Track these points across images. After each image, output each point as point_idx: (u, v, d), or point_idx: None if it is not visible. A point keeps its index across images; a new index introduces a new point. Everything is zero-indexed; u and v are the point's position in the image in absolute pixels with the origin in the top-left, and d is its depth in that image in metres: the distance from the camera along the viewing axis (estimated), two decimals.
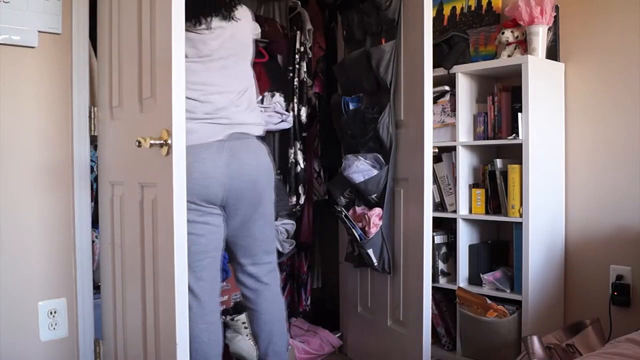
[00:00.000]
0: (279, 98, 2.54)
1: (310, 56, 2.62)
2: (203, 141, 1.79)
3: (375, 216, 2.25)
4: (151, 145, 1.59)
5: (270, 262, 2.04)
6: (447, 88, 2.50)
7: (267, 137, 2.76)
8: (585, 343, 1.86)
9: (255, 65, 2.46)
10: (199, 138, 1.78)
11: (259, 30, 2.31)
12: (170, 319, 1.60)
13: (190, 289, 1.76)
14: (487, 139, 2.45)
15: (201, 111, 1.81)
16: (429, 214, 2.13)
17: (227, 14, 1.85)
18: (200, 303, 1.84)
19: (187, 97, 1.72)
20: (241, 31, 1.93)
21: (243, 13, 1.94)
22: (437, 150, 2.39)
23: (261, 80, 2.46)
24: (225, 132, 1.84)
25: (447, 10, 2.78)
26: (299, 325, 2.76)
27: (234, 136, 1.86)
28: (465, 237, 2.51)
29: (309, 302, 2.85)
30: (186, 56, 1.74)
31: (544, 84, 2.35)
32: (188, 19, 1.71)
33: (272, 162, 2.00)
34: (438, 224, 2.60)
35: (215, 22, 1.83)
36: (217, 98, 1.84)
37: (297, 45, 2.57)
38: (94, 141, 2.20)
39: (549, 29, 2.41)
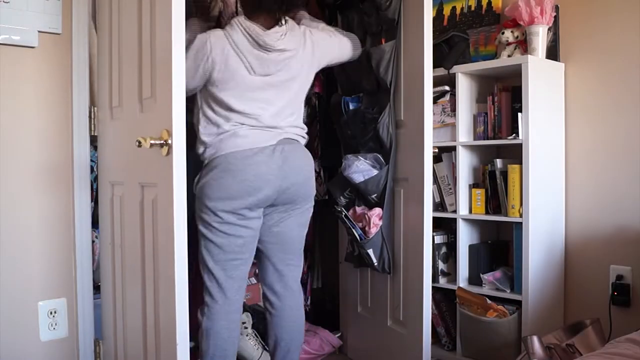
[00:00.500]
0: None
1: None
2: (255, 145, 1.86)
3: (376, 216, 2.25)
4: (151, 145, 1.59)
5: (299, 265, 2.08)
6: (447, 88, 2.50)
7: None
8: (585, 343, 1.86)
9: None
10: (251, 142, 1.85)
11: None
12: (171, 319, 1.60)
13: (220, 285, 1.87)
14: (487, 139, 2.45)
15: (258, 122, 1.89)
16: (429, 214, 2.13)
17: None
18: (227, 300, 1.88)
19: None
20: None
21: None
22: (437, 150, 2.39)
23: None
24: (277, 138, 1.90)
25: (447, 10, 2.78)
26: None
27: (284, 141, 1.92)
28: (465, 237, 2.51)
29: (308, 302, 2.85)
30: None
31: (544, 84, 2.35)
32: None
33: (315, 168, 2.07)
34: (438, 224, 2.60)
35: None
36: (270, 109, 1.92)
37: None
38: (94, 141, 2.20)
39: (549, 29, 2.41)
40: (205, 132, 1.86)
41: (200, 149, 1.89)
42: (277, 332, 2.01)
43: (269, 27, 1.87)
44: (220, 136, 1.85)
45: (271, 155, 1.87)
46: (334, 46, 2.07)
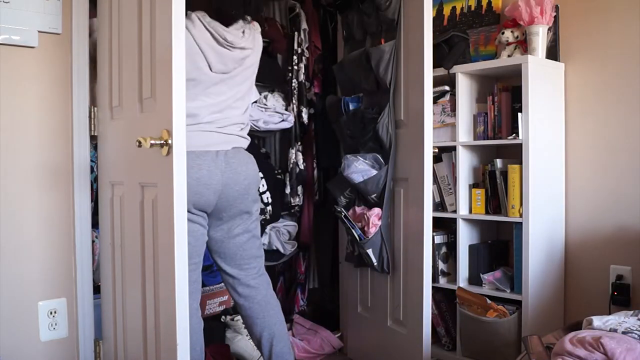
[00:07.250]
0: (278, 97, 2.54)
1: (307, 56, 2.63)
2: (201, 149, 1.82)
3: (374, 216, 2.25)
4: (151, 145, 1.59)
5: (256, 266, 2.03)
6: (447, 88, 2.50)
7: (268, 137, 2.76)
8: None
9: None
10: (196, 145, 1.80)
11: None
12: (171, 319, 1.60)
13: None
14: (487, 139, 2.45)
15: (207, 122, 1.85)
16: (429, 214, 2.13)
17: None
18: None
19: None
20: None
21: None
22: (437, 150, 2.39)
23: None
24: (222, 143, 1.87)
25: (447, 10, 2.78)
26: (301, 323, 2.76)
27: (229, 145, 1.90)
28: (465, 237, 2.51)
29: (305, 302, 2.85)
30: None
31: (544, 84, 2.36)
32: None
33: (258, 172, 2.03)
34: (438, 224, 2.60)
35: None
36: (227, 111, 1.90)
37: (295, 46, 2.57)
38: (94, 141, 2.20)
39: (549, 29, 2.41)
40: None
41: None
42: (254, 331, 1.99)
43: (227, 25, 1.86)
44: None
45: (215, 159, 1.83)
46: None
